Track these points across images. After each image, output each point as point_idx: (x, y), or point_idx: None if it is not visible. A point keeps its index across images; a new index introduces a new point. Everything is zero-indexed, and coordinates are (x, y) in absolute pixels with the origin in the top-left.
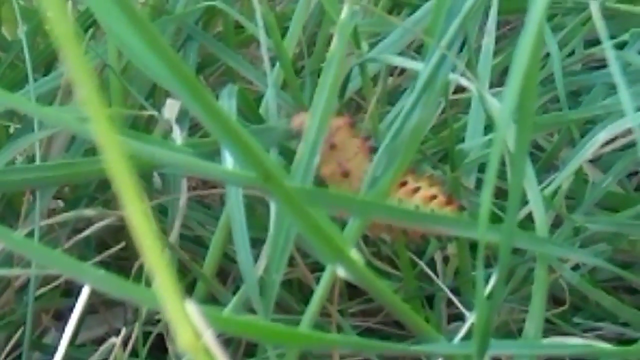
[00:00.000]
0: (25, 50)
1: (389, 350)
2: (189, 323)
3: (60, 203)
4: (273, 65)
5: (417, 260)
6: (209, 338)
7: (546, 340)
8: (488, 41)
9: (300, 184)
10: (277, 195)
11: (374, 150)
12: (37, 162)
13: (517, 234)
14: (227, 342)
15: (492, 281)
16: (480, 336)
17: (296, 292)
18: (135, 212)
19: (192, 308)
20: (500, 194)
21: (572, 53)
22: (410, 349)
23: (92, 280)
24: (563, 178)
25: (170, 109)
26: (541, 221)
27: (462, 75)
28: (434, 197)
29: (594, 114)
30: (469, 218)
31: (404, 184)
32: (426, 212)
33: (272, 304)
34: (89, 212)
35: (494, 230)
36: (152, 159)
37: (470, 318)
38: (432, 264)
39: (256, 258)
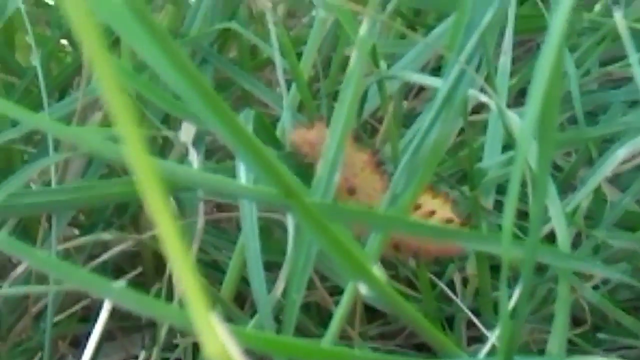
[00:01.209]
0: (40, 75)
1: None
2: (217, 333)
3: (76, 231)
4: (288, 88)
5: (436, 281)
6: (235, 351)
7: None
8: (505, 60)
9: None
10: (299, 212)
11: (381, 164)
12: (53, 184)
13: (541, 248)
14: None
15: (515, 297)
16: (504, 353)
17: (314, 315)
18: (167, 230)
19: (218, 321)
20: (520, 215)
21: (587, 73)
22: None
23: (113, 296)
24: (582, 197)
25: (187, 132)
26: (563, 237)
27: (481, 91)
28: (450, 220)
29: (613, 130)
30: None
31: (418, 207)
32: (450, 228)
33: (293, 323)
34: (106, 235)
35: (517, 245)
36: (173, 179)
37: (493, 336)
38: (451, 285)
39: (274, 281)
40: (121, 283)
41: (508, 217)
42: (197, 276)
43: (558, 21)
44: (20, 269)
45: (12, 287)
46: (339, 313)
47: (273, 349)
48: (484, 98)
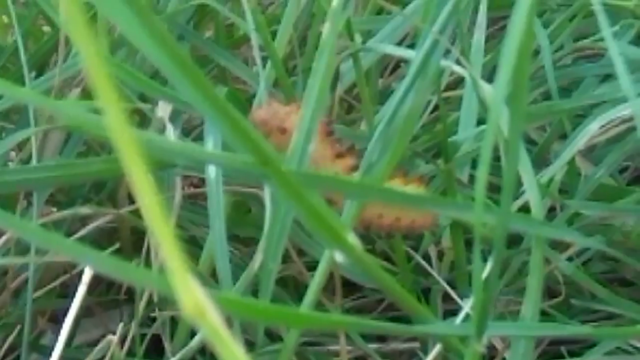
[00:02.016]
0: (21, 51)
1: (388, 331)
2: (194, 290)
3: (54, 209)
4: (265, 65)
5: (412, 253)
6: (211, 307)
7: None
8: (479, 35)
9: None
10: (275, 179)
11: (332, 133)
12: (34, 161)
13: (514, 216)
14: None
15: (489, 265)
16: (478, 316)
17: (291, 289)
18: (147, 194)
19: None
20: (494, 189)
21: (560, 48)
22: (410, 330)
23: (95, 263)
24: (556, 169)
25: (164, 108)
26: (537, 206)
27: (456, 64)
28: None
29: (586, 103)
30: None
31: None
32: (425, 195)
33: (270, 292)
34: (84, 209)
35: (491, 212)
36: (152, 150)
37: (467, 305)
38: (426, 259)
39: (250, 257)
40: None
41: (480, 183)
42: (175, 237)
43: None
44: None
45: None
46: (316, 281)
47: (252, 314)
48: (458, 69)
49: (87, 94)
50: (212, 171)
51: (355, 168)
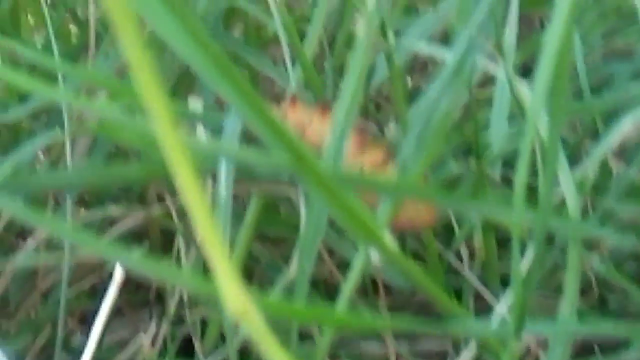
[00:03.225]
0: (55, 50)
1: (425, 330)
2: (240, 290)
3: (82, 210)
4: (294, 64)
5: (444, 253)
6: (254, 309)
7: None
8: (510, 34)
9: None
10: (311, 179)
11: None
12: (68, 161)
13: (552, 216)
14: None
15: (525, 263)
16: (517, 316)
17: (322, 292)
18: (197, 206)
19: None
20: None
21: (590, 46)
22: (447, 329)
23: (130, 263)
24: (589, 168)
25: (193, 106)
26: (573, 205)
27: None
28: None
29: (618, 102)
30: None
31: None
32: (463, 195)
33: (305, 292)
34: (115, 210)
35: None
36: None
37: (503, 302)
38: (457, 258)
39: (280, 257)
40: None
41: (520, 183)
42: (219, 235)
43: None
44: (30, 244)
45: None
46: (350, 281)
47: (292, 315)
48: (492, 68)
49: (115, 95)
50: (222, 168)
51: (384, 162)
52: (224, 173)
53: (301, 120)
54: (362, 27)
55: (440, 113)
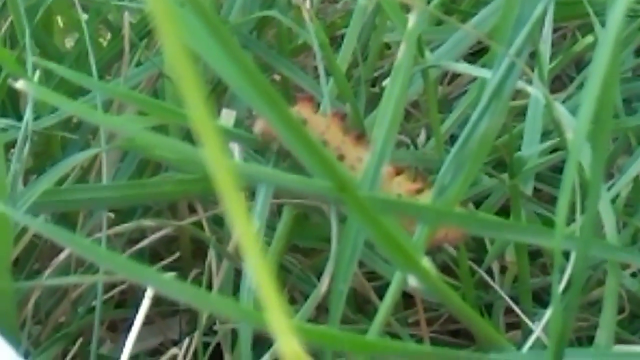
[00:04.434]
0: (91, 57)
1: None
2: (293, 335)
3: (111, 215)
4: (327, 73)
5: (475, 268)
6: (304, 352)
7: (617, 348)
8: (544, 49)
9: (369, 193)
10: (351, 204)
11: (362, 137)
12: (104, 176)
13: (592, 241)
14: None
15: (564, 284)
16: (555, 344)
17: (352, 302)
18: (242, 221)
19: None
20: (553, 200)
21: (621, 62)
22: (486, 358)
23: (159, 285)
24: (622, 185)
25: (227, 118)
26: (611, 229)
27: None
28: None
29: None
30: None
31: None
32: (499, 220)
33: (340, 314)
34: (146, 222)
35: (569, 239)
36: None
37: (538, 326)
38: (489, 273)
39: (310, 268)
40: (170, 274)
41: (561, 212)
42: (273, 279)
43: (614, 20)
44: (62, 256)
45: (57, 278)
46: (385, 304)
47: (327, 342)
48: (530, 89)
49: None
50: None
51: (420, 190)
52: (262, 196)
53: (336, 142)
54: (403, 49)
55: (478, 136)
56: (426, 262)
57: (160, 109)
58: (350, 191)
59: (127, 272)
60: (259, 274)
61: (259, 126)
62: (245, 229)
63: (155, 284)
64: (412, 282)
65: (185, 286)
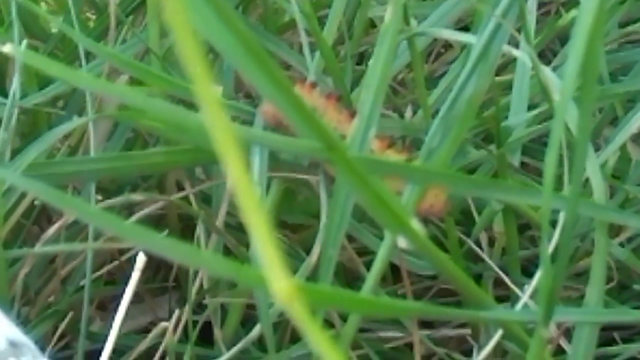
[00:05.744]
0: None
1: (450, 317)
2: (284, 270)
3: (99, 197)
4: (312, 49)
5: (464, 239)
6: (299, 295)
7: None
8: (529, 19)
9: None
10: (340, 165)
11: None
12: (91, 147)
13: (580, 201)
14: (275, 326)
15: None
16: (545, 301)
17: (341, 278)
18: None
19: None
20: (540, 173)
21: (606, 33)
22: (474, 316)
23: (156, 245)
24: (609, 154)
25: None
26: (600, 190)
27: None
28: None
29: (638, 88)
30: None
31: None
32: (487, 179)
33: (330, 279)
34: (136, 196)
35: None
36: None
37: (526, 292)
38: (477, 246)
39: (299, 243)
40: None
41: (549, 169)
42: (267, 222)
43: None
44: (50, 231)
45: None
46: (374, 270)
47: (321, 300)
48: (516, 53)
49: (134, 81)
50: (256, 157)
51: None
52: (258, 159)
53: (318, 107)
54: (389, 14)
55: (465, 99)
56: (415, 223)
57: (156, 77)
58: (339, 151)
59: (121, 231)
60: (253, 221)
61: (265, 110)
62: (246, 187)
63: (149, 242)
64: (402, 243)
65: (179, 244)
